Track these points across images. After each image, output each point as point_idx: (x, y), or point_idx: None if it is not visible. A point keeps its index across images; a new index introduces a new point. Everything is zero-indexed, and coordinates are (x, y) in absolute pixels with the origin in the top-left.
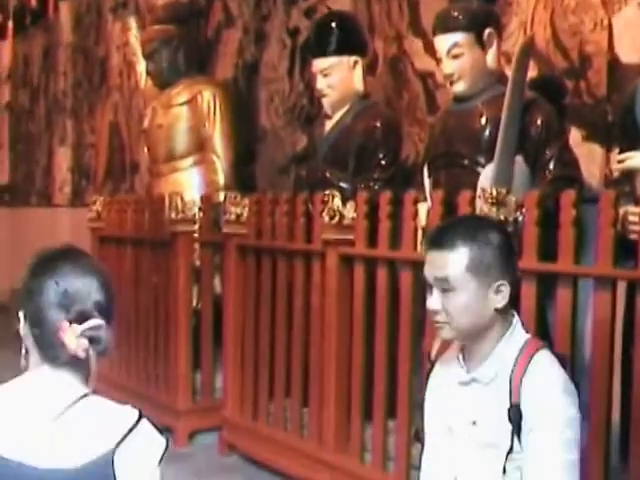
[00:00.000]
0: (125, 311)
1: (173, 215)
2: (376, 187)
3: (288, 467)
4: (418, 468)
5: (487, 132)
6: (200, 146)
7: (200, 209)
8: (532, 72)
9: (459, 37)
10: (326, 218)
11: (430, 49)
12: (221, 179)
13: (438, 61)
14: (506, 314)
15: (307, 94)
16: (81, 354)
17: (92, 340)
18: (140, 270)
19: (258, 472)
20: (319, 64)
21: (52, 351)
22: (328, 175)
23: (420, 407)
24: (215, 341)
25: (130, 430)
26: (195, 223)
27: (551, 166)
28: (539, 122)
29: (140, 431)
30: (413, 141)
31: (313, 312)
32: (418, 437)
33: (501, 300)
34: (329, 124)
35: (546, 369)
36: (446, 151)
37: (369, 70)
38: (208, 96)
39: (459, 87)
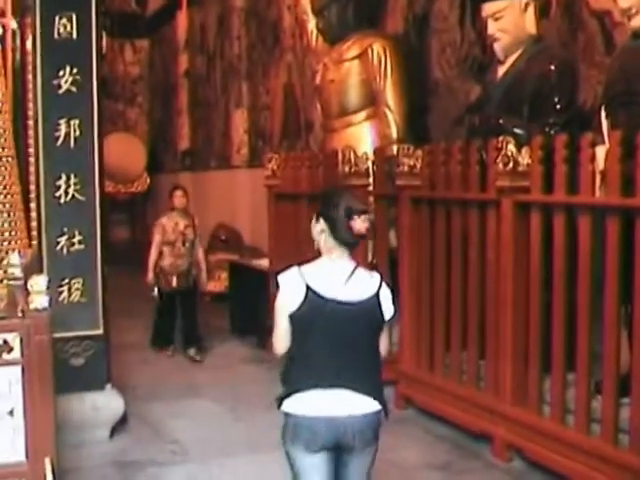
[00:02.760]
0: None
1: (346, 169)
2: (552, 132)
3: (464, 419)
4: (599, 422)
5: None
6: (372, 100)
7: (373, 162)
8: None
9: None
10: (500, 165)
11: None
12: (394, 132)
13: None
14: None
15: (479, 43)
16: (364, 232)
17: (370, 223)
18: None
19: (434, 425)
20: (490, 8)
21: (344, 235)
22: (502, 122)
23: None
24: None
25: (381, 282)
26: (368, 176)
27: None
28: None
29: (384, 284)
30: (591, 84)
31: (489, 262)
32: (599, 389)
33: None
34: (502, 70)
35: None
36: (624, 90)
37: (543, 13)
38: (378, 49)
39: (638, 21)
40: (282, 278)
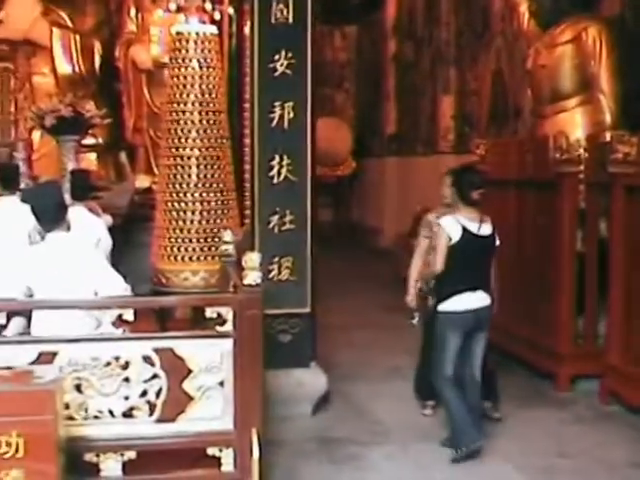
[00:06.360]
0: (509, 253)
1: (557, 156)
2: None
3: None
4: None
5: None
6: (586, 85)
7: (585, 149)
8: None
9: None
10: None
11: None
12: (608, 118)
13: None
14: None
15: None
16: (478, 200)
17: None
18: (523, 212)
19: None
20: None
21: (469, 199)
22: None
23: None
24: (598, 286)
25: (492, 222)
26: (580, 164)
27: None
28: None
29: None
30: None
31: None
32: None
33: None
34: None
35: None
36: None
37: None
38: (594, 33)
39: None
40: (444, 221)
